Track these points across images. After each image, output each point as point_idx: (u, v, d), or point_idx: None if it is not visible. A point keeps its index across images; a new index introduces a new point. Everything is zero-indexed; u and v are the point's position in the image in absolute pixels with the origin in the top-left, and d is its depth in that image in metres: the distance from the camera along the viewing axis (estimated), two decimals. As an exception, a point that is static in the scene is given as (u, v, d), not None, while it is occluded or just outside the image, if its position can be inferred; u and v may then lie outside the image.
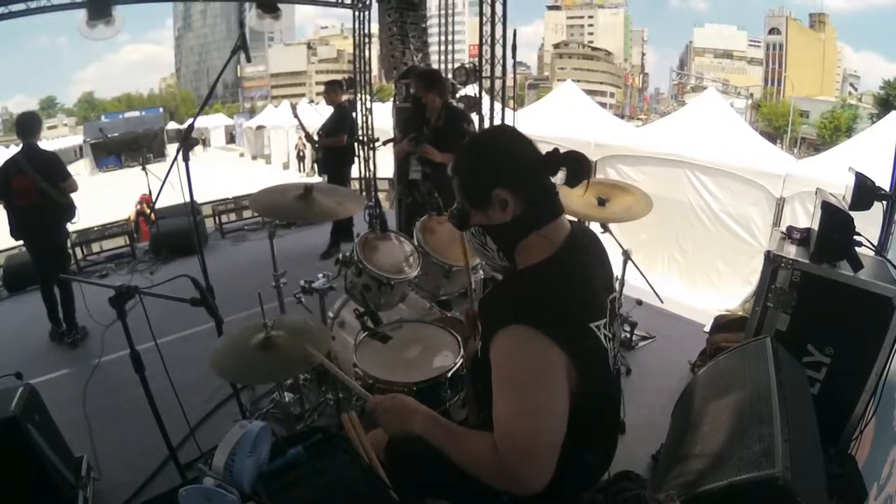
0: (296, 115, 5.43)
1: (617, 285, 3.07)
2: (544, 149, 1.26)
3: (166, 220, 5.98)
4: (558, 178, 1.24)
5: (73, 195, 3.77)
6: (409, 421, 1.25)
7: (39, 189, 3.53)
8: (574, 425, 1.11)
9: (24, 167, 3.49)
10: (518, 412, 1.08)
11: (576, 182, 1.22)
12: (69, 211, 3.78)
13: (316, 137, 5.38)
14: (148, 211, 6.83)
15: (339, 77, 6.51)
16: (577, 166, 1.21)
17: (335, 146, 5.16)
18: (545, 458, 1.06)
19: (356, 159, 5.88)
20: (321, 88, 5.68)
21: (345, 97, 5.46)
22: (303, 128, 5.45)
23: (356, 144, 5.62)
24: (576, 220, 2.51)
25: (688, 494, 1.51)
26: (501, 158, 1.22)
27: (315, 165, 5.60)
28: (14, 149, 3.63)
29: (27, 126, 3.62)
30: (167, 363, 1.94)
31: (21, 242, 3.85)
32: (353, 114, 5.88)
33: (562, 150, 1.23)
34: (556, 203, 1.24)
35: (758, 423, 1.61)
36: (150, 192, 6.63)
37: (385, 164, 7.39)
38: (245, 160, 26.96)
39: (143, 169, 6.35)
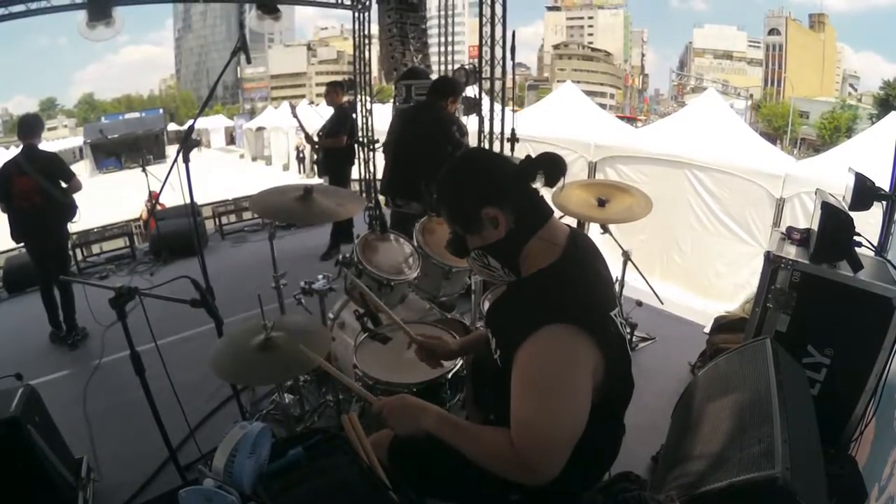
0: (295, 116, 5.43)
1: (616, 285, 3.09)
2: (545, 150, 1.28)
3: (166, 221, 5.98)
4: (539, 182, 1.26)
5: (74, 195, 3.76)
6: (419, 419, 1.25)
7: (42, 190, 3.50)
8: (595, 420, 1.12)
9: (26, 168, 3.46)
10: (541, 409, 1.09)
11: (553, 182, 1.24)
12: (71, 210, 3.76)
13: (316, 138, 5.39)
14: (159, 208, 6.87)
15: (339, 78, 6.51)
16: (552, 167, 1.23)
17: (335, 147, 5.16)
18: (563, 452, 1.09)
19: (356, 160, 5.88)
20: (321, 90, 5.71)
21: (345, 98, 5.47)
22: (302, 128, 5.45)
23: (356, 145, 5.62)
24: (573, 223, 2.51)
25: (688, 495, 1.51)
26: (480, 178, 1.25)
27: (315, 166, 5.60)
28: (14, 150, 3.60)
29: (29, 127, 3.61)
30: (167, 364, 1.94)
31: (21, 244, 3.84)
32: (354, 115, 5.87)
33: (560, 152, 1.25)
34: (544, 206, 1.27)
35: (758, 423, 1.61)
36: (150, 191, 6.64)
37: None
38: (245, 161, 26.96)
39: (144, 170, 6.36)
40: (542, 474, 1.09)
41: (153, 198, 7.75)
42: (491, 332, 1.30)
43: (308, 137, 5.53)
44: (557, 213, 1.31)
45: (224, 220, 6.87)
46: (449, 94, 3.69)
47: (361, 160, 7.00)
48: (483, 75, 5.43)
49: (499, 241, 1.23)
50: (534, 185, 1.26)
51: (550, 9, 65.19)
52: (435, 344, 1.65)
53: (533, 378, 1.11)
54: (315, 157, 5.53)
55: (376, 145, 5.66)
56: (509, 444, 1.10)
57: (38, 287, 3.91)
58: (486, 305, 2.65)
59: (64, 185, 3.67)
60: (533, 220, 1.23)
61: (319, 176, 5.54)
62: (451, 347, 1.66)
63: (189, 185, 2.38)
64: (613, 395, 1.18)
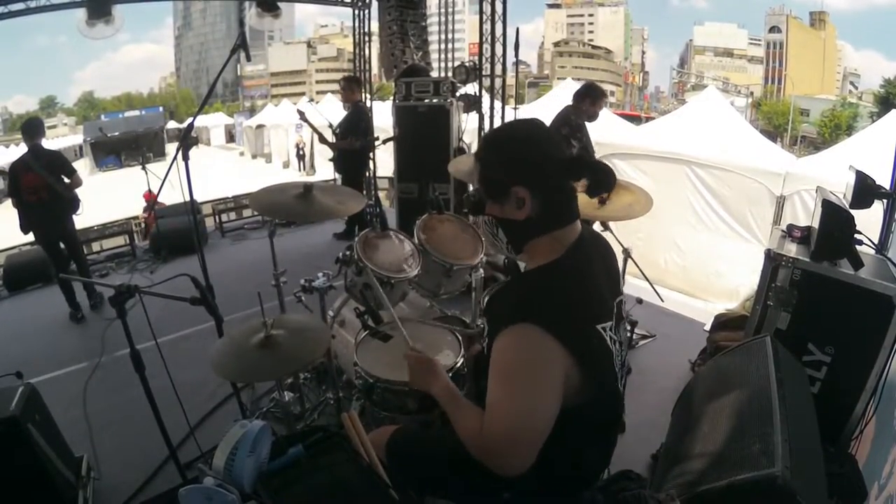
0: (306, 121, 5.30)
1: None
2: None
3: (166, 219, 5.97)
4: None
5: (76, 190, 4.06)
6: (429, 383, 1.34)
7: (47, 185, 3.83)
8: (577, 424, 1.12)
9: (33, 165, 3.79)
10: (506, 404, 1.10)
11: (594, 193, 1.21)
12: (74, 204, 4.07)
13: (331, 136, 5.32)
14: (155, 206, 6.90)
15: (340, 76, 6.47)
16: (602, 177, 1.20)
17: (353, 148, 5.12)
18: (525, 449, 1.08)
19: (366, 158, 5.77)
20: (321, 87, 5.69)
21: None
22: (316, 131, 5.37)
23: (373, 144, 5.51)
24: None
25: (688, 494, 1.51)
26: (528, 157, 1.19)
27: (332, 163, 5.50)
28: (14, 149, 3.82)
29: (31, 129, 3.94)
30: (167, 362, 1.94)
31: (24, 241, 4.12)
32: (370, 113, 5.72)
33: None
34: (573, 208, 1.23)
35: (758, 422, 1.61)
36: (149, 190, 6.64)
37: (385, 163, 7.39)
38: (245, 159, 26.95)
39: (143, 168, 6.36)
40: (505, 464, 1.10)
41: (146, 198, 7.70)
42: (486, 320, 1.32)
43: (322, 139, 5.44)
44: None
45: (224, 217, 6.87)
46: (585, 97, 4.08)
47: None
48: (483, 72, 5.42)
49: (515, 221, 1.20)
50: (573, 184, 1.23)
51: (551, 6, 65.14)
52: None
53: (501, 369, 1.13)
54: (332, 154, 5.45)
55: (377, 143, 5.63)
56: (480, 431, 1.13)
57: (37, 286, 4.16)
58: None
59: (66, 180, 3.97)
60: (556, 218, 1.21)
61: (335, 172, 5.48)
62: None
63: (189, 182, 2.37)
64: (594, 406, 1.17)
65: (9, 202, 3.95)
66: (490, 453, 1.11)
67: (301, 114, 5.45)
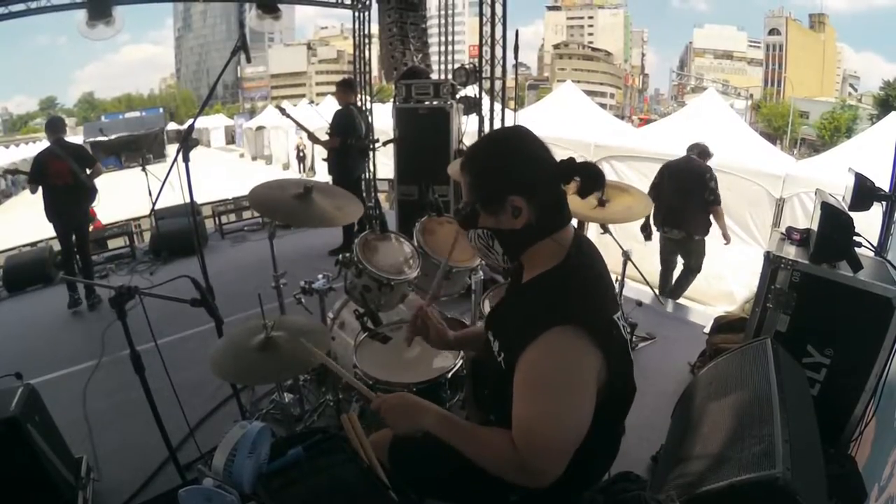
0: (288, 116, 5.27)
1: (617, 285, 3.09)
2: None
3: (166, 220, 5.98)
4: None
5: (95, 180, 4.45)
6: (419, 419, 1.23)
7: (73, 171, 4.23)
8: (593, 422, 1.11)
9: (60, 154, 4.21)
10: (546, 413, 1.07)
11: (586, 194, 1.21)
12: (92, 193, 4.46)
13: (326, 137, 5.31)
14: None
15: (340, 78, 6.45)
16: (592, 180, 1.19)
17: (332, 147, 5.12)
18: (566, 455, 1.08)
19: (361, 160, 5.73)
20: (321, 89, 5.67)
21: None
22: (302, 127, 5.37)
23: (365, 145, 5.48)
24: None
25: (688, 495, 1.51)
26: (521, 165, 1.18)
27: (325, 164, 5.48)
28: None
29: (55, 126, 4.38)
30: (167, 363, 1.94)
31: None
32: (355, 116, 5.70)
33: (566, 155, 1.23)
34: (567, 211, 1.23)
35: (758, 423, 1.61)
36: (152, 194, 6.63)
37: (385, 165, 7.40)
38: (245, 160, 26.96)
39: (143, 170, 6.35)
40: (544, 477, 1.08)
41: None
42: (492, 335, 1.28)
43: (311, 136, 5.46)
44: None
45: (224, 219, 6.87)
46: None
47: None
48: (483, 75, 5.42)
49: (512, 231, 1.19)
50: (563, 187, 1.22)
51: (551, 8, 65.33)
52: (438, 328, 1.58)
53: (537, 381, 1.09)
54: (326, 154, 5.45)
55: (376, 145, 5.62)
56: (511, 447, 1.09)
57: (37, 286, 4.29)
58: (486, 305, 2.65)
59: (88, 170, 4.36)
60: (553, 222, 1.20)
61: (329, 172, 5.48)
62: (448, 337, 1.61)
63: (189, 184, 2.38)
64: (614, 398, 1.17)
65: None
66: (531, 469, 1.08)
67: (281, 110, 5.45)
